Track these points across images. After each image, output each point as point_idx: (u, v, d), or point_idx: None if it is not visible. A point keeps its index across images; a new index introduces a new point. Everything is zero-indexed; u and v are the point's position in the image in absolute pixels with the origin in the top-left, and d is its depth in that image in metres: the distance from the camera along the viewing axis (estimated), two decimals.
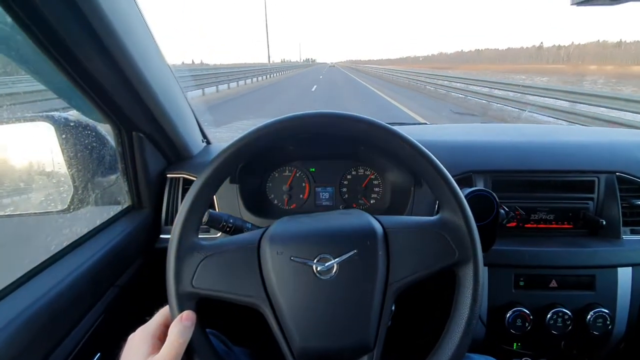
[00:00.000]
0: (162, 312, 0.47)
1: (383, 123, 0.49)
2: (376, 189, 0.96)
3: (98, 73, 0.62)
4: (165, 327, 0.45)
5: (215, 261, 0.47)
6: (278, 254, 0.47)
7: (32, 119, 0.74)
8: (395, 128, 0.49)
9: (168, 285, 0.46)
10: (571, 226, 0.86)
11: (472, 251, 0.47)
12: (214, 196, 0.87)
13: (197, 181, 0.48)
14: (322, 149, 0.94)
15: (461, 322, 0.46)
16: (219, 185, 0.50)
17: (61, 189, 0.76)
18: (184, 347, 0.43)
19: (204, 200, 0.49)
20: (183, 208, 0.47)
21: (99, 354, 0.63)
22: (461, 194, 0.49)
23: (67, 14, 0.52)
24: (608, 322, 0.76)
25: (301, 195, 0.97)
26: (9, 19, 0.50)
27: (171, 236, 0.47)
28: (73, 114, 0.76)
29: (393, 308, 0.64)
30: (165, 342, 0.43)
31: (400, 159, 0.50)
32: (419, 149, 0.49)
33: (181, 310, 0.45)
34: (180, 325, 0.43)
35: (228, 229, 0.63)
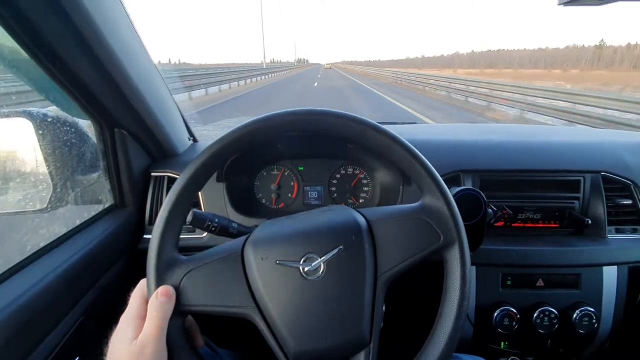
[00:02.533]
0: (137, 293, 0.46)
1: (361, 117, 0.49)
2: (365, 189, 0.96)
3: (78, 68, 0.60)
4: (146, 305, 0.44)
5: (199, 275, 0.46)
6: (263, 260, 0.46)
7: (8, 115, 0.72)
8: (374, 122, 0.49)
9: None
10: (557, 225, 0.87)
11: (456, 233, 0.47)
12: (200, 195, 0.85)
13: (172, 192, 0.46)
14: (310, 148, 0.93)
15: (453, 306, 0.45)
16: (198, 190, 0.49)
17: (40, 187, 0.73)
18: (165, 321, 0.42)
19: (182, 210, 0.47)
20: (159, 222, 0.46)
21: (77, 358, 0.61)
22: (440, 178, 0.49)
23: (46, 7, 0.50)
24: (594, 321, 0.77)
25: (289, 195, 0.96)
26: None
27: (149, 253, 0.45)
28: (52, 110, 0.74)
29: (384, 309, 0.63)
30: (146, 321, 0.42)
31: (378, 150, 0.50)
32: (395, 138, 0.49)
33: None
34: (157, 301, 0.43)
35: (213, 229, 0.62)
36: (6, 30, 0.51)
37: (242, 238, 0.50)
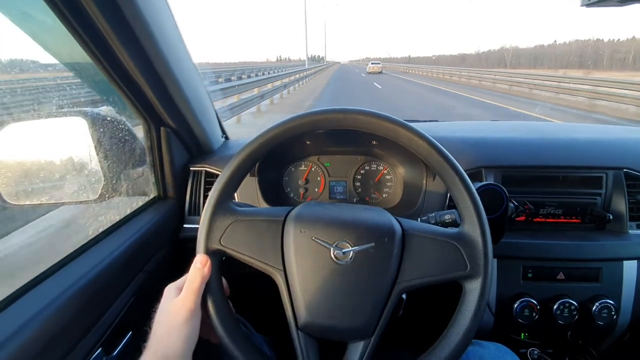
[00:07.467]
0: (192, 269, 0.52)
1: (411, 125, 0.52)
2: (388, 184, 1.00)
3: (133, 70, 0.66)
4: None
5: (244, 226, 0.52)
6: (301, 232, 0.51)
7: (66, 114, 0.79)
8: (422, 130, 0.52)
9: (199, 239, 0.51)
10: (579, 221, 0.88)
11: (483, 268, 0.49)
12: None
13: (242, 152, 0.53)
14: (337, 145, 0.97)
15: (458, 333, 0.48)
16: (256, 162, 0.55)
17: (92, 179, 0.81)
18: (199, 287, 0.49)
19: (243, 172, 0.54)
20: (226, 172, 0.52)
21: (130, 333, 0.68)
22: (483, 212, 0.50)
23: (107, 12, 0.56)
24: (613, 313, 0.79)
25: (316, 189, 1.01)
26: (51, 15, 0.53)
27: (210, 195, 0.52)
28: (104, 110, 0.81)
29: (404, 297, 0.67)
30: (184, 285, 0.49)
31: (427, 163, 0.53)
32: (451, 162, 0.51)
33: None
34: (194, 269, 0.50)
35: None
36: (72, 35, 0.57)
37: (287, 208, 0.56)
